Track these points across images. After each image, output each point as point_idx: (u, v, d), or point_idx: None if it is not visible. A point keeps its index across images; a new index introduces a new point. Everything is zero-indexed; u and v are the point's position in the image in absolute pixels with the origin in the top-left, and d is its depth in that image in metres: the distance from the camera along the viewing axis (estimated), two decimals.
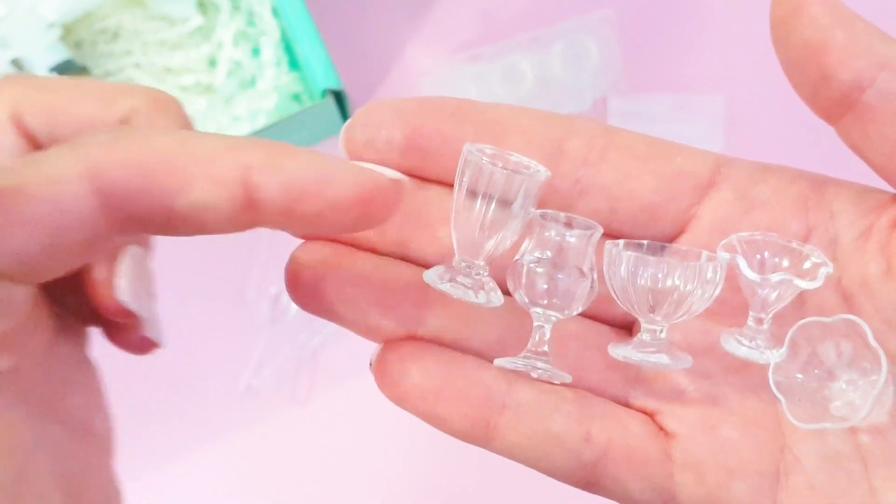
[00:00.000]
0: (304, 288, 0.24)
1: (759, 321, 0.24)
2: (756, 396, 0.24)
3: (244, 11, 0.52)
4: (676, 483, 0.23)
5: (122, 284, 0.21)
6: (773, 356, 0.23)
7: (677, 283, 0.23)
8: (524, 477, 0.50)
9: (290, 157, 0.20)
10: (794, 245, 0.24)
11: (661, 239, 0.24)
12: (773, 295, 0.23)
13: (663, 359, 0.23)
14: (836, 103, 0.22)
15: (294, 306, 0.50)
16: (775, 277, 0.23)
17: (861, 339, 0.23)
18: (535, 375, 0.24)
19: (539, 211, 0.24)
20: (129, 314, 0.22)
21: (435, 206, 0.24)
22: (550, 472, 0.24)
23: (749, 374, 0.24)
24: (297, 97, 0.51)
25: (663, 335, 0.24)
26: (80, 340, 0.23)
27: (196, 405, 0.50)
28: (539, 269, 0.24)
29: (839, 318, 0.23)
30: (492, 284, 0.24)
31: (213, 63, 0.52)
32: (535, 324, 0.24)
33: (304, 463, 0.50)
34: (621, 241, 0.24)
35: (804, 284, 0.23)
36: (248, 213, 0.20)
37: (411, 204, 0.24)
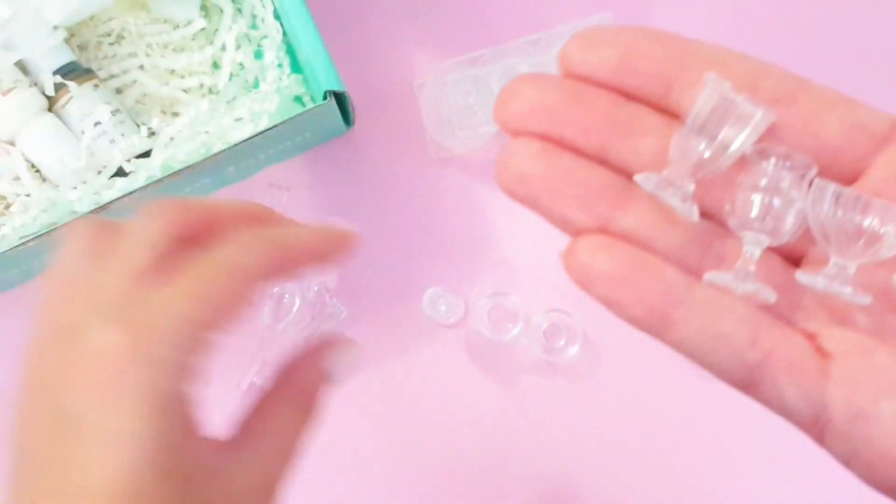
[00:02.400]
0: (512, 176, 0.26)
1: None
2: None
3: (247, 14, 0.52)
4: (829, 396, 0.25)
5: None
6: None
7: (878, 225, 0.25)
8: (526, 474, 0.50)
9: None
10: None
11: (839, 182, 0.26)
12: None
13: (849, 290, 0.25)
14: None
15: (296, 306, 0.50)
16: None
17: None
18: (741, 291, 0.25)
19: (760, 145, 0.26)
20: None
21: (637, 120, 0.26)
22: (714, 368, 0.25)
23: None
24: (299, 99, 0.51)
25: (851, 272, 0.25)
26: None
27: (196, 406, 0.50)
28: (755, 196, 0.26)
29: None
30: (694, 202, 0.26)
31: (216, 65, 0.53)
32: (746, 247, 0.26)
33: (304, 461, 0.50)
34: (830, 182, 0.25)
35: None
36: None
37: (617, 114, 0.26)
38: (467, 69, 0.50)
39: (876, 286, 0.26)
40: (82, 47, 0.52)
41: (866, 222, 0.25)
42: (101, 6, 0.50)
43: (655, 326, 0.25)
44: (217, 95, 0.51)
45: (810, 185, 0.26)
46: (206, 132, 0.48)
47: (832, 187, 0.25)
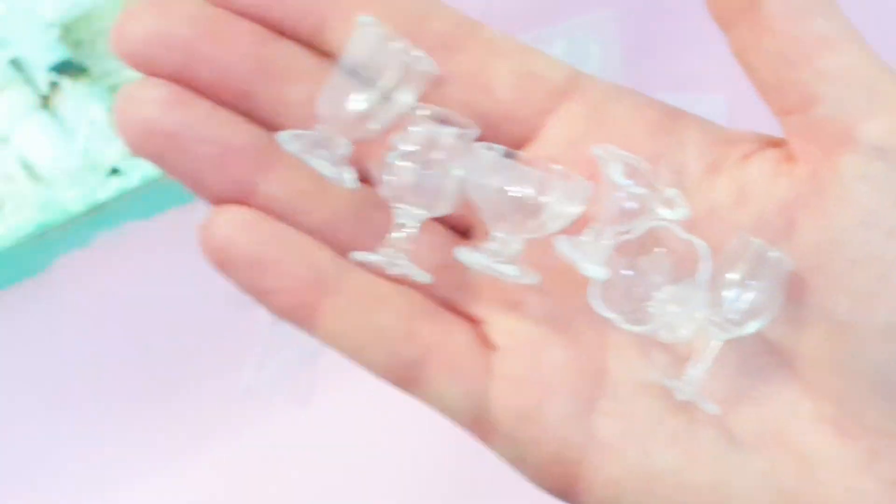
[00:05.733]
0: (134, 127, 0.22)
1: (600, 234, 0.23)
2: (587, 320, 0.23)
3: None
4: (492, 395, 0.23)
5: None
6: (596, 271, 0.22)
7: (541, 196, 0.22)
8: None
9: None
10: (658, 185, 0.23)
11: (510, 144, 0.24)
12: (631, 212, 0.23)
13: (512, 270, 0.22)
14: (735, 6, 0.22)
15: None
16: (640, 191, 0.22)
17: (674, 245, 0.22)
18: (392, 272, 0.23)
19: (415, 104, 0.23)
20: None
21: (287, 61, 0.23)
22: (369, 364, 0.23)
23: (584, 299, 0.24)
24: None
25: (516, 246, 0.23)
26: None
27: (196, 406, 0.50)
28: (407, 164, 0.22)
29: (647, 226, 0.22)
30: (349, 165, 0.23)
31: None
32: (398, 220, 0.23)
33: (304, 463, 0.50)
34: (497, 147, 0.23)
35: (667, 214, 0.22)
36: None
37: (264, 53, 0.23)
38: None
39: (552, 266, 0.23)
40: (77, 44, 0.52)
41: (524, 192, 0.22)
42: (96, 3, 0.49)
43: (303, 318, 0.23)
44: None
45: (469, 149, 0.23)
46: None
47: (488, 154, 0.22)
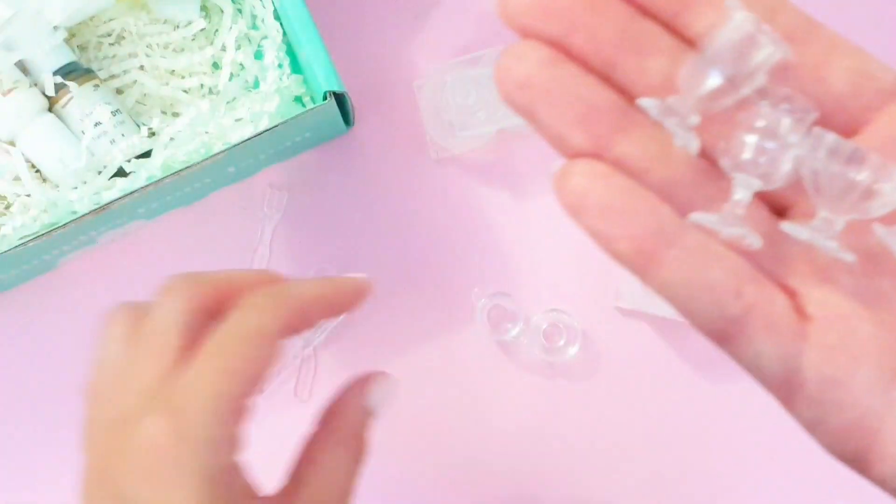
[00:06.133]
0: (513, 81, 0.24)
1: None
2: (891, 300, 0.25)
3: (247, 15, 0.52)
4: (805, 360, 0.24)
5: None
6: None
7: (877, 182, 0.24)
8: (525, 473, 0.50)
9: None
10: None
11: (837, 133, 0.25)
12: None
13: (832, 244, 0.24)
14: None
15: None
16: None
17: None
18: (727, 234, 0.25)
19: (763, 85, 0.25)
20: None
21: (649, 38, 0.25)
22: (694, 316, 0.25)
23: (888, 280, 0.25)
24: (298, 99, 0.52)
25: (839, 227, 0.25)
26: None
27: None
28: (751, 139, 0.25)
29: None
30: (696, 134, 0.25)
31: (216, 66, 0.53)
32: (735, 189, 0.25)
33: None
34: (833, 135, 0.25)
35: None
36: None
37: (630, 28, 0.25)
38: (467, 69, 0.51)
39: (864, 248, 0.25)
40: (82, 48, 0.52)
41: (860, 177, 0.24)
42: (102, 7, 0.50)
43: (641, 265, 0.24)
44: (217, 96, 0.51)
45: (809, 131, 0.25)
46: (207, 132, 0.48)
47: (830, 136, 0.24)
